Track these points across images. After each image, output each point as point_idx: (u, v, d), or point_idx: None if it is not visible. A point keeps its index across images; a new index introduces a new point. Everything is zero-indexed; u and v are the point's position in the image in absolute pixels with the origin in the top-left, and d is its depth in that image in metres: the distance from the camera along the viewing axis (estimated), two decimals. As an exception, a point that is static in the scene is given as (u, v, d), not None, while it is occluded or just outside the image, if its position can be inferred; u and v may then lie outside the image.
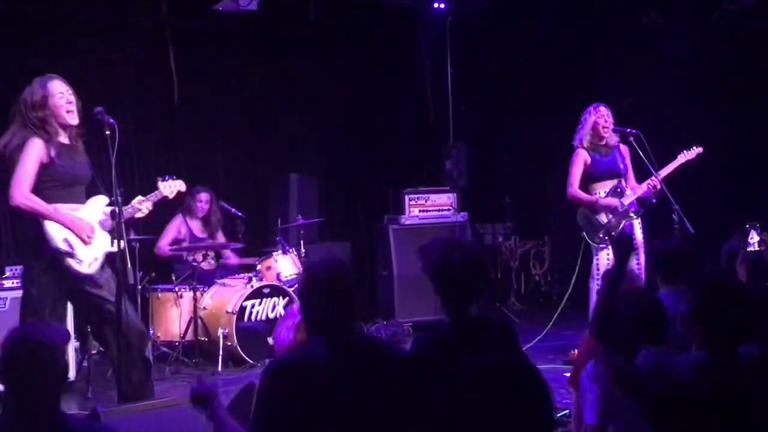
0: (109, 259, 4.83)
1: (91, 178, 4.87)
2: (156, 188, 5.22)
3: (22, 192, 4.55)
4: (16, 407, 2.67)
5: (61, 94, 4.62)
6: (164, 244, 7.60)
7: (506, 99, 9.76)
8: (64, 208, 4.68)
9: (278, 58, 9.07)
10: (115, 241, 4.66)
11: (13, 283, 6.19)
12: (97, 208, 4.86)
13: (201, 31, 8.60)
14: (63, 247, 4.60)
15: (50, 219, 4.59)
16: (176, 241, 7.63)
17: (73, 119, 4.67)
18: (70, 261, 4.62)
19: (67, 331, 5.06)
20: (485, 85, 9.77)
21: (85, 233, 4.66)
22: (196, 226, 7.72)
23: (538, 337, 6.91)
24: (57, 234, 4.61)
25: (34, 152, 4.55)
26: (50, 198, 4.64)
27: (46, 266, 4.65)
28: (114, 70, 7.91)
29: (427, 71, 9.80)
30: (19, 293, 6.09)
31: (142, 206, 5.03)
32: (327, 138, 9.57)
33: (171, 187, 5.31)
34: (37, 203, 4.58)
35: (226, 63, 8.75)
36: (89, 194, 4.92)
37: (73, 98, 4.67)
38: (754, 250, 5.36)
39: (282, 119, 9.15)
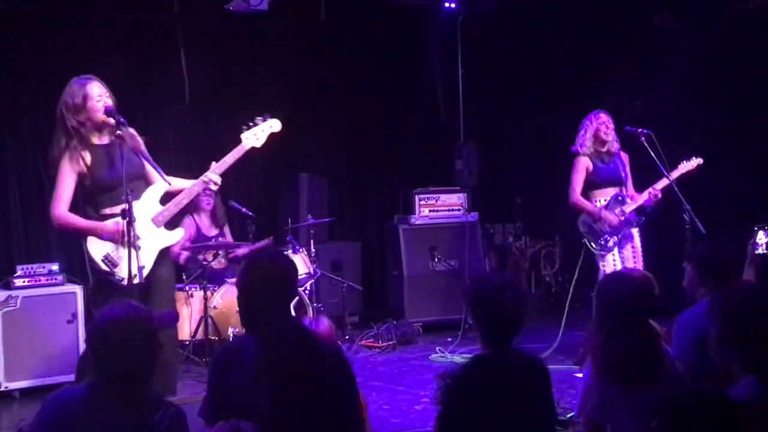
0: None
1: (141, 172, 4.82)
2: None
3: (59, 209, 4.61)
4: (103, 383, 2.75)
5: (99, 97, 4.66)
6: (177, 248, 7.57)
7: (517, 99, 9.74)
8: (113, 214, 4.64)
9: (289, 57, 9.08)
10: (173, 234, 4.69)
11: (24, 282, 6.23)
12: (152, 202, 4.79)
13: (212, 31, 8.61)
14: (103, 266, 4.61)
15: (82, 230, 4.61)
16: (189, 241, 7.64)
17: (110, 120, 4.68)
18: (113, 279, 4.62)
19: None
20: (496, 85, 9.75)
21: (118, 237, 4.57)
22: (204, 223, 7.73)
23: (554, 346, 6.87)
24: (97, 253, 4.62)
25: (68, 166, 4.63)
26: (100, 204, 4.68)
27: (99, 285, 4.69)
28: (125, 69, 7.93)
29: (438, 71, 9.79)
30: (30, 292, 6.17)
31: (211, 177, 4.86)
32: (337, 137, 9.57)
33: (259, 133, 5.02)
34: (71, 220, 4.63)
35: (236, 63, 8.77)
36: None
37: (110, 102, 4.70)
38: (763, 252, 5.34)
39: (292, 118, 9.13)
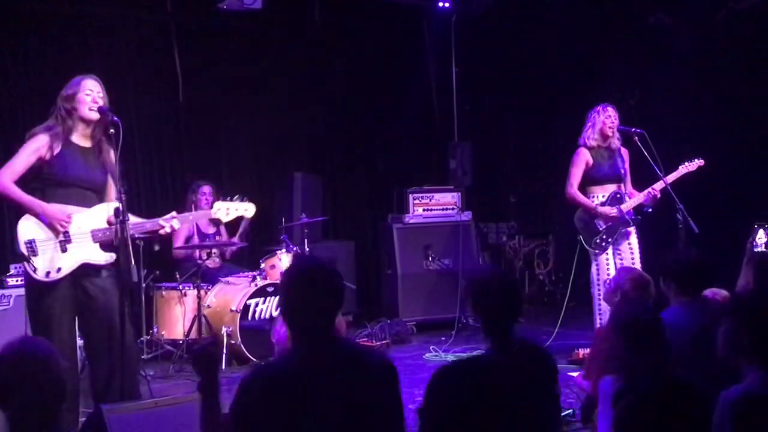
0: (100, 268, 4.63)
1: (102, 185, 4.67)
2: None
3: (3, 178, 4.52)
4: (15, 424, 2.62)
5: (89, 92, 4.59)
6: (179, 245, 7.58)
7: (511, 98, 9.76)
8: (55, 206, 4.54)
9: (282, 56, 9.07)
10: (103, 254, 4.58)
11: (17, 281, 6.20)
12: (99, 216, 4.64)
13: (205, 29, 8.60)
14: (22, 249, 4.49)
15: (20, 205, 4.51)
16: (188, 240, 7.64)
17: (94, 115, 4.62)
18: (26, 265, 4.50)
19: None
20: (490, 84, 9.77)
21: (57, 222, 4.46)
22: (203, 221, 7.73)
23: (548, 341, 6.87)
24: (24, 233, 4.49)
25: (33, 146, 4.51)
26: (49, 196, 4.57)
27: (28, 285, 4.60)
28: (118, 68, 7.91)
29: (432, 70, 9.79)
30: (22, 291, 6.13)
31: (168, 223, 4.73)
32: (331, 136, 9.56)
33: (231, 209, 5.02)
34: (12, 190, 4.49)
35: (230, 61, 8.75)
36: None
37: (101, 100, 4.63)
38: (762, 251, 5.34)
39: (286, 118, 9.15)
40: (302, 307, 2.73)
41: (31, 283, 4.52)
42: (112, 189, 4.72)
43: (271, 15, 8.26)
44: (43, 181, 4.56)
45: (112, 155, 4.60)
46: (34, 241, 4.49)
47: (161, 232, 4.78)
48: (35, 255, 4.48)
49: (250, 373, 2.74)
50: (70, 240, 4.49)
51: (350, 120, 9.57)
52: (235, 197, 5.09)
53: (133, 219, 4.64)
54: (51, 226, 4.50)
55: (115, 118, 4.52)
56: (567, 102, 8.68)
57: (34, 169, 4.54)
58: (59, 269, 4.47)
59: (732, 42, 7.79)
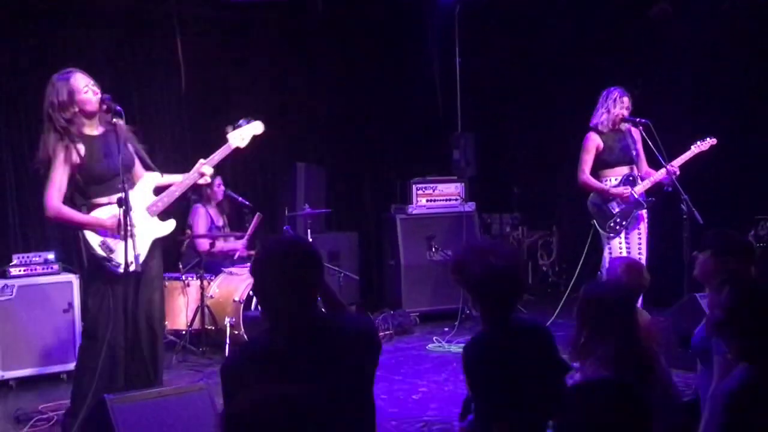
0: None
1: (130, 164, 4.75)
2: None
3: (53, 203, 4.55)
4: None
5: (86, 88, 4.59)
6: (199, 234, 7.53)
7: (514, 89, 9.73)
8: (105, 203, 4.60)
9: (286, 47, 9.05)
10: (165, 225, 4.65)
11: (20, 271, 6.21)
12: (146, 191, 4.76)
13: (209, 20, 8.57)
14: (100, 252, 4.56)
15: (79, 224, 4.58)
16: (209, 230, 7.62)
17: (95, 108, 4.63)
18: (108, 265, 4.56)
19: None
20: (493, 75, 9.73)
21: (114, 228, 4.53)
22: (214, 213, 7.73)
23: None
24: (95, 236, 4.58)
25: (62, 158, 4.54)
26: (91, 196, 4.63)
27: (95, 274, 4.64)
28: (122, 58, 7.91)
29: (436, 61, 9.76)
30: (26, 281, 6.16)
31: (203, 169, 4.86)
32: (335, 127, 9.55)
33: (244, 134, 5.06)
34: (67, 214, 4.56)
35: (233, 52, 8.73)
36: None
37: (97, 89, 4.63)
38: (763, 245, 5.32)
39: (290, 108, 9.14)
40: (273, 290, 2.62)
41: (110, 281, 4.54)
42: (138, 164, 4.78)
43: (274, 5, 8.23)
44: (81, 185, 4.59)
45: (127, 131, 4.66)
46: (107, 241, 4.56)
47: (200, 181, 4.91)
48: (113, 252, 4.53)
49: (226, 360, 2.75)
50: (134, 225, 4.49)
51: (353, 111, 9.55)
52: (241, 120, 5.10)
53: (168, 178, 4.71)
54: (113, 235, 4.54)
55: (118, 108, 4.53)
56: (570, 93, 8.65)
57: (70, 179, 4.57)
58: (137, 256, 4.47)
59: (736, 33, 7.75)
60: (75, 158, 4.55)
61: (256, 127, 5.11)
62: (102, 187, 4.64)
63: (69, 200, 4.63)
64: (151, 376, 4.69)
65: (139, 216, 4.64)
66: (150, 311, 4.71)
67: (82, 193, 4.63)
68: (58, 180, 4.55)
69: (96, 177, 4.63)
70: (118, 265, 4.49)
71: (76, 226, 4.63)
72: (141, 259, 4.56)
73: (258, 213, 7.70)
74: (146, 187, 4.81)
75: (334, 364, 2.60)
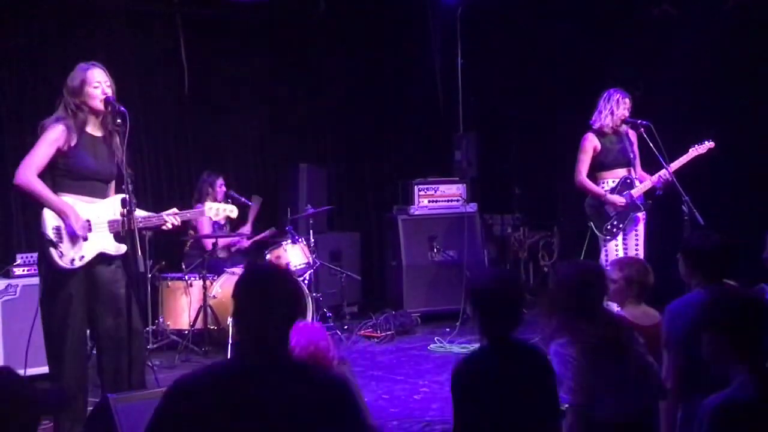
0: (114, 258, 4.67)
1: (116, 176, 4.68)
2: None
3: (27, 173, 4.51)
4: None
5: (97, 84, 4.57)
6: (205, 234, 7.56)
7: (516, 89, 9.73)
8: (72, 200, 4.54)
9: (288, 47, 9.08)
10: (116, 244, 4.60)
11: (24, 270, 6.23)
12: (115, 206, 4.63)
13: (212, 20, 8.60)
14: (50, 234, 4.47)
15: (46, 204, 4.49)
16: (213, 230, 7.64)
17: (102, 107, 4.62)
18: (53, 251, 4.47)
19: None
20: (495, 76, 9.74)
21: (78, 226, 4.46)
22: None
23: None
24: (51, 219, 4.48)
25: (53, 136, 4.48)
26: (59, 186, 4.58)
27: (46, 276, 4.57)
28: (125, 59, 7.92)
29: (437, 61, 9.78)
30: (30, 280, 6.17)
31: (171, 218, 4.78)
32: (337, 128, 9.58)
33: (219, 211, 5.18)
34: (37, 186, 4.49)
35: (236, 52, 8.76)
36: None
37: (109, 90, 4.62)
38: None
39: (292, 108, 9.17)
40: (249, 319, 2.56)
41: (52, 269, 4.48)
42: (114, 183, 4.76)
43: (277, 6, 8.25)
44: (55, 171, 4.56)
45: (119, 143, 4.62)
46: (61, 228, 4.48)
47: (164, 227, 4.81)
48: (62, 241, 4.49)
49: (176, 381, 2.62)
50: (92, 229, 4.50)
51: (356, 111, 9.57)
52: (228, 200, 5.14)
53: (141, 213, 4.68)
54: (72, 234, 4.49)
55: (122, 108, 4.53)
56: (572, 94, 8.65)
57: (50, 161, 4.54)
58: (82, 257, 4.48)
59: (738, 33, 7.75)
60: (63, 144, 4.51)
61: (232, 211, 5.25)
62: (76, 184, 4.56)
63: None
64: (126, 370, 4.61)
65: (98, 225, 4.57)
66: (116, 307, 4.57)
67: (53, 181, 4.57)
68: (40, 155, 4.47)
69: (75, 172, 4.55)
70: (61, 255, 4.44)
71: (42, 203, 4.50)
72: (83, 261, 4.51)
73: (255, 196, 7.73)
74: (117, 204, 4.71)
75: (284, 413, 2.44)
